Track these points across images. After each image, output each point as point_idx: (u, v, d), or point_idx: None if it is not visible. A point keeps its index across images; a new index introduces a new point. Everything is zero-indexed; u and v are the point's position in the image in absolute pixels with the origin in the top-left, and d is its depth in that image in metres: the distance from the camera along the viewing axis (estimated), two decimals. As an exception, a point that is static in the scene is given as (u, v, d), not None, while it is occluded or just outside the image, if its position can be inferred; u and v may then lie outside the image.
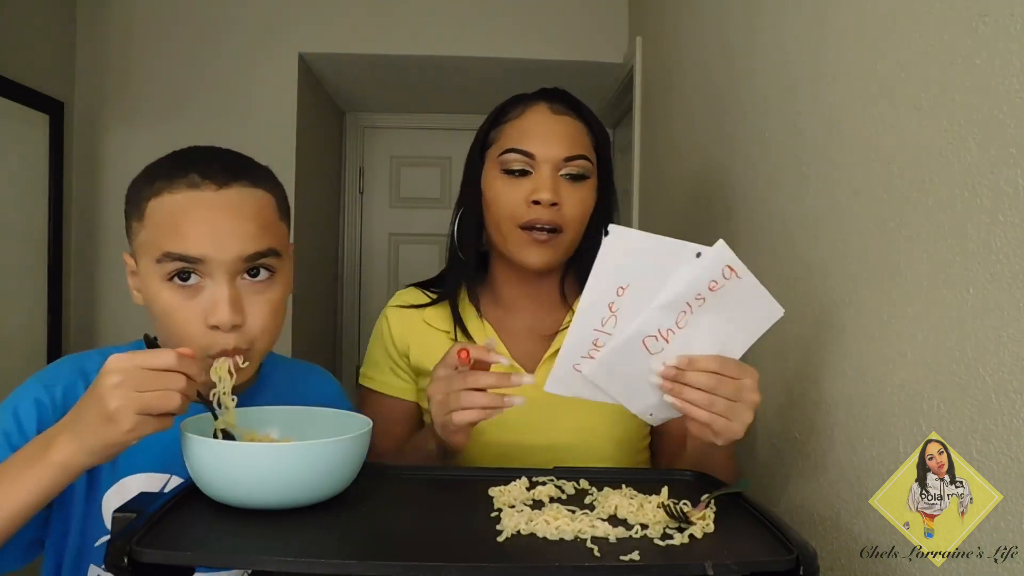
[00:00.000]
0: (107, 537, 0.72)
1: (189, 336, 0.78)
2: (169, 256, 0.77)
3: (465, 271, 1.05)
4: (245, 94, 2.39)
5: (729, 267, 0.71)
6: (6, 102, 1.94)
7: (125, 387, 0.65)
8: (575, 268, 1.05)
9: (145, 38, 2.37)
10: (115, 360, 0.66)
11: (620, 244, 0.71)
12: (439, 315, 1.05)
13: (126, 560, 0.55)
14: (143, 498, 0.67)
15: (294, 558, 0.57)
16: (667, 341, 0.75)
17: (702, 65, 1.45)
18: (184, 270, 0.78)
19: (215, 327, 0.78)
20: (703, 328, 0.75)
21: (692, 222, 1.47)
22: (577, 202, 0.99)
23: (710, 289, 0.72)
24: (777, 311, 0.76)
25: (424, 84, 2.78)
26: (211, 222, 0.78)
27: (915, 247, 0.72)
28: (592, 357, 0.76)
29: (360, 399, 1.09)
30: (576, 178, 0.99)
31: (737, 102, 1.21)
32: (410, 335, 1.04)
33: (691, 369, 0.74)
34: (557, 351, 0.78)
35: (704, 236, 0.76)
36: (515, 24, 2.44)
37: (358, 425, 0.74)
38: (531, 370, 1.00)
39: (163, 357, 0.67)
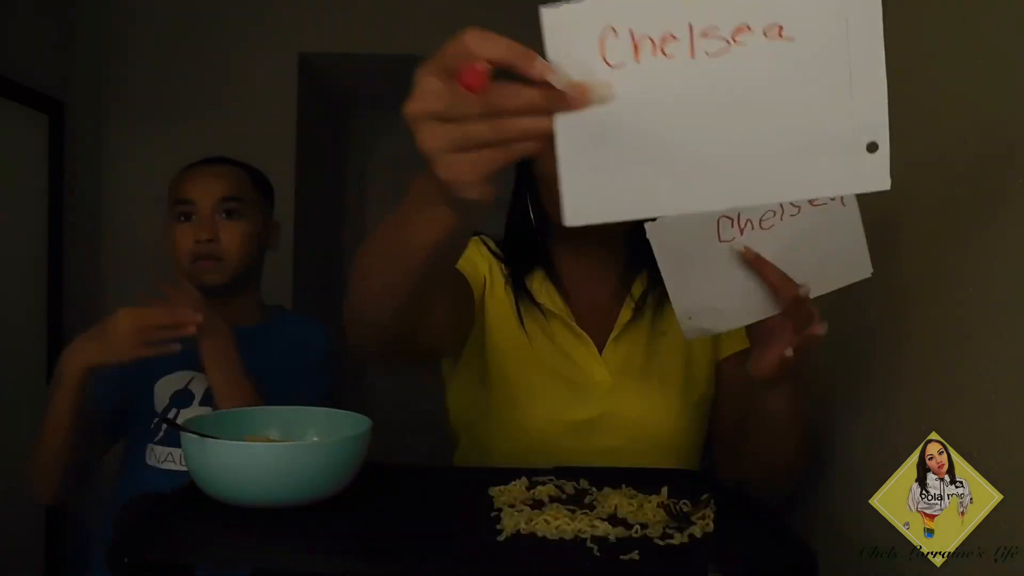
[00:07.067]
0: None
1: None
2: None
3: (523, 256, 0.99)
4: (245, 94, 2.39)
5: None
6: (6, 102, 1.95)
7: None
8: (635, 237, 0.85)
9: (145, 38, 2.37)
10: None
11: None
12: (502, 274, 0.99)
13: (127, 560, 0.55)
14: (144, 498, 0.67)
15: (295, 557, 0.57)
16: (740, 233, 0.67)
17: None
18: None
19: None
20: (783, 241, 0.67)
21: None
22: None
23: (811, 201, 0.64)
24: (866, 269, 0.69)
25: (424, 84, 2.78)
26: None
27: (915, 246, 0.72)
28: None
29: None
30: None
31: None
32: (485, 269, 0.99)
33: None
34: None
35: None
36: (515, 24, 2.44)
37: (357, 425, 0.75)
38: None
39: None
